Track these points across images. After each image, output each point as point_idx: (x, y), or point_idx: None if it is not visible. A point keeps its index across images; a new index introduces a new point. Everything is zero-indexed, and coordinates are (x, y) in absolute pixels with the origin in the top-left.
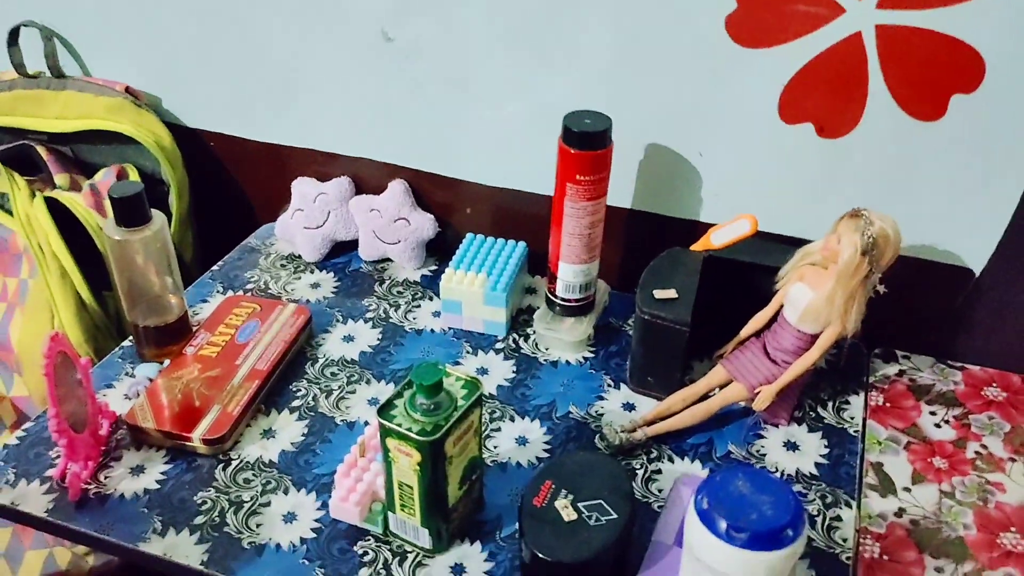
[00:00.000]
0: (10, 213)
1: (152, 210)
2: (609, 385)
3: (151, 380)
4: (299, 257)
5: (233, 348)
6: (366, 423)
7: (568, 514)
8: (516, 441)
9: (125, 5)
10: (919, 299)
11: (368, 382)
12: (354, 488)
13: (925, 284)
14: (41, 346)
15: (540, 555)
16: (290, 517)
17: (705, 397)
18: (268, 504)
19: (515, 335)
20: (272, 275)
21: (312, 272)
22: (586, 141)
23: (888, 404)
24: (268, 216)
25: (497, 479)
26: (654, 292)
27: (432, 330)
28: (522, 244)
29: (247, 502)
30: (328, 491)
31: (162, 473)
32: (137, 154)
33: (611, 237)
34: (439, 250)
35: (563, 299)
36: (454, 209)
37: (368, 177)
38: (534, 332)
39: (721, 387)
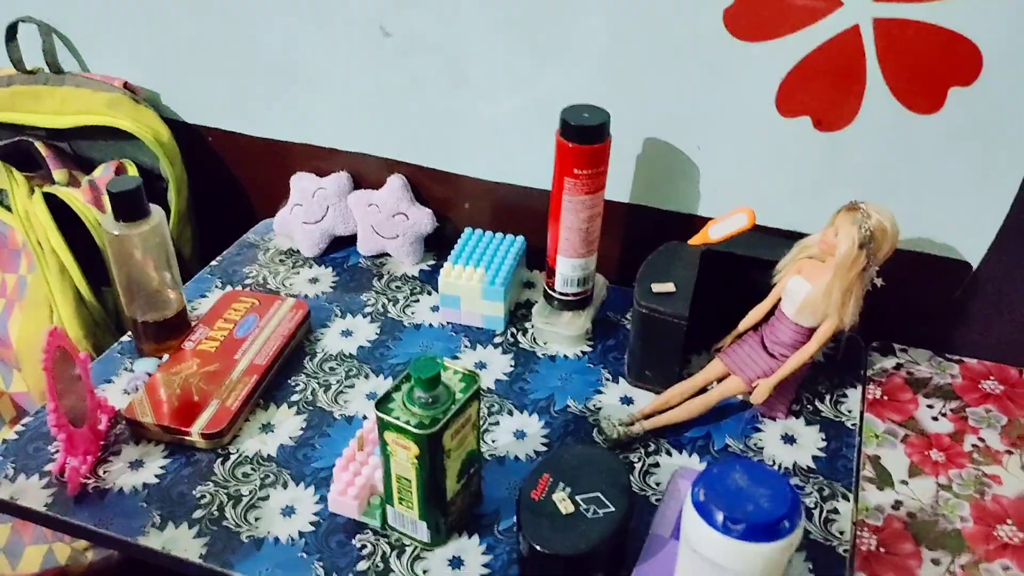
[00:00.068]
0: (9, 209)
1: (151, 205)
2: (607, 379)
3: (150, 375)
4: (297, 252)
5: (232, 343)
6: (364, 417)
7: (566, 507)
8: (514, 435)
9: (123, 1)
10: (917, 292)
11: (367, 376)
12: (352, 482)
13: (923, 277)
14: (40, 341)
15: (538, 548)
16: (289, 511)
17: (703, 391)
18: (267, 498)
19: (513, 329)
20: (271, 270)
21: (311, 267)
22: (584, 135)
23: (885, 397)
24: (267, 211)
25: (495, 472)
26: (652, 286)
27: (430, 324)
28: (520, 238)
29: (246, 496)
30: (327, 485)
31: (161, 467)
32: (135, 150)
33: (609, 231)
34: (437, 245)
35: (561, 293)
36: (452, 204)
37: (367, 172)
38: (532, 326)
39: (719, 381)
